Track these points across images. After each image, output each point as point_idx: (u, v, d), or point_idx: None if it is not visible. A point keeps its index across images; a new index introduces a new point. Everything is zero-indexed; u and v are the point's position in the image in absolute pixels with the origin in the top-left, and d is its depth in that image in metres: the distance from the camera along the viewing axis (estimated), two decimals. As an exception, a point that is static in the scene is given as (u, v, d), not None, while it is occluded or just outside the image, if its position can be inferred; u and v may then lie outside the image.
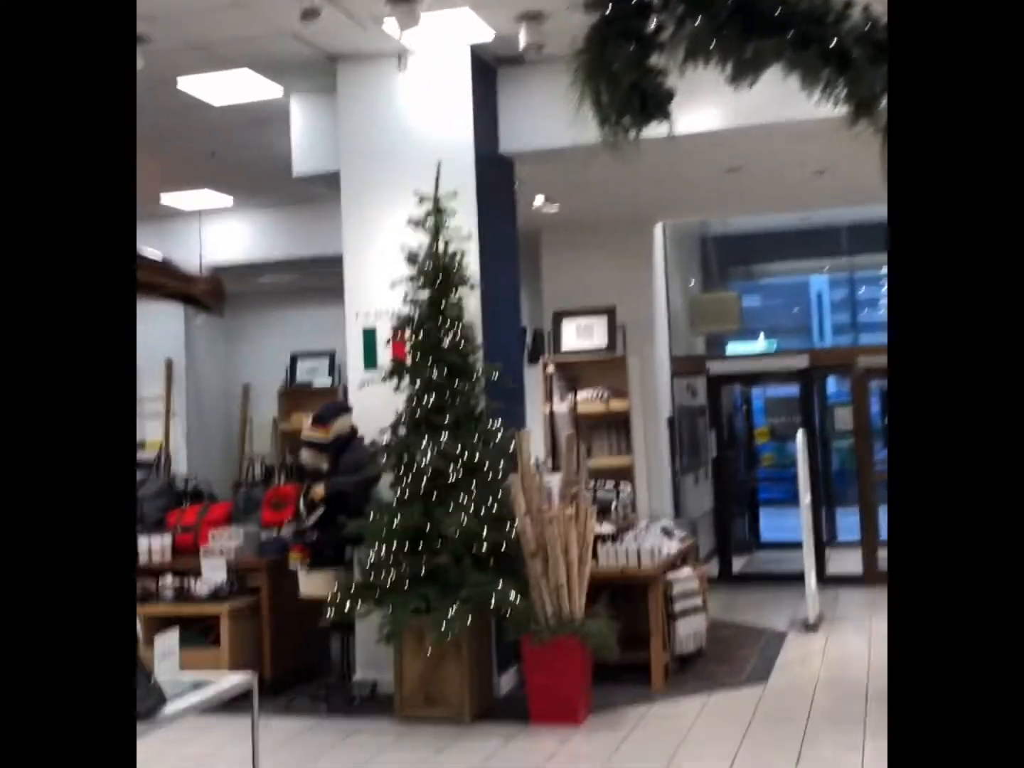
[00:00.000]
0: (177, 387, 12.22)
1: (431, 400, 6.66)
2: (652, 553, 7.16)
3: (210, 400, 12.75)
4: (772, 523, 14.19)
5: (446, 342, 6.69)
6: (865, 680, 6.96)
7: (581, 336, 10.59)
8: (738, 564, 11.95)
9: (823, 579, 10.30)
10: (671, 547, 7.70)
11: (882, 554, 10.95)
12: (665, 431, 11.10)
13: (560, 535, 6.39)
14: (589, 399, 10.37)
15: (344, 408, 7.08)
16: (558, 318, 10.66)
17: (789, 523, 14.43)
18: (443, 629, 6.11)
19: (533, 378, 10.20)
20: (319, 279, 11.13)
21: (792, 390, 13.63)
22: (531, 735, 6.11)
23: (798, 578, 10.50)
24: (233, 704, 4.13)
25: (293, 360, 12.81)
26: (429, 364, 6.67)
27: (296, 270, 11.78)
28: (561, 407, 9.81)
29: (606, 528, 7.58)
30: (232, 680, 3.96)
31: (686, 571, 7.72)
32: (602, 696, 6.70)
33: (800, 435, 9.13)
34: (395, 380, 6.80)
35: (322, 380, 12.42)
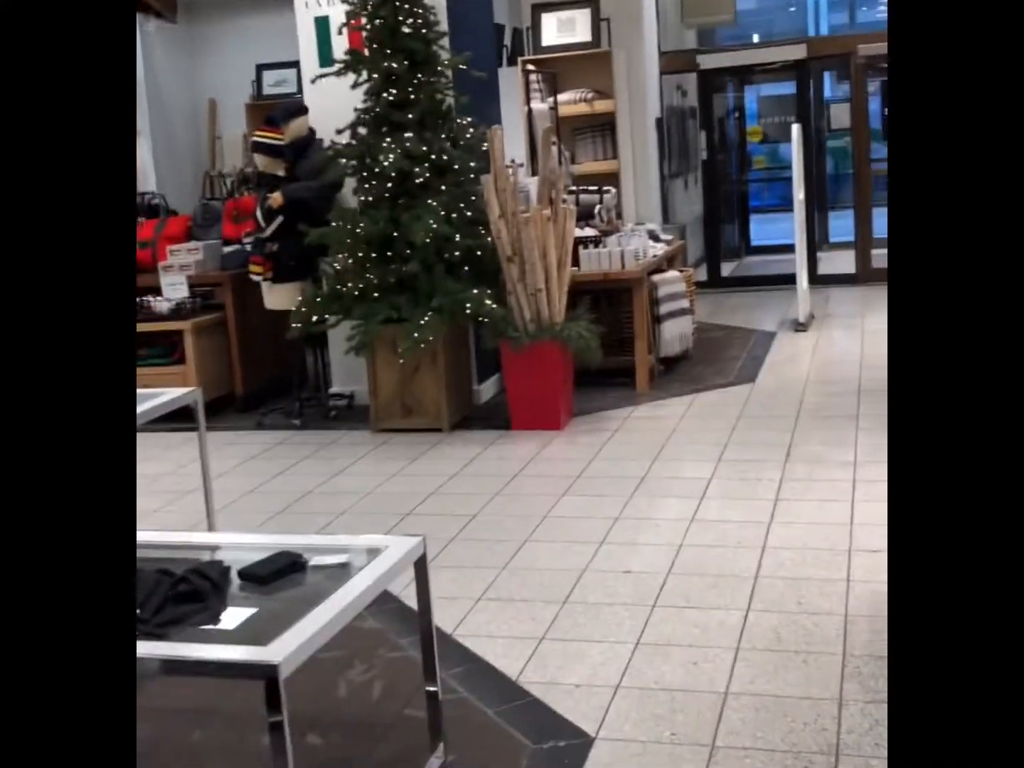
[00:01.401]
0: (138, 104, 11.48)
1: (392, 95, 6.11)
2: (636, 255, 6.80)
3: (176, 117, 12.02)
4: (763, 229, 13.83)
5: (405, 27, 6.07)
6: (857, 376, 6.77)
7: (562, 31, 9.83)
8: (727, 269, 11.66)
9: (815, 280, 10.03)
10: (656, 250, 7.34)
11: (876, 252, 10.65)
12: (653, 133, 10.50)
13: (537, 238, 6.02)
14: (572, 100, 9.72)
15: (299, 108, 6.53)
16: (537, 11, 9.85)
17: (780, 228, 14.12)
18: (415, 338, 5.84)
19: (512, 82, 9.53)
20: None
21: (787, 88, 12.91)
22: (511, 441, 5.95)
23: (788, 280, 10.28)
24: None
25: (259, 72, 12.03)
26: (388, 54, 6.08)
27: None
28: (541, 106, 9.19)
29: (588, 232, 7.20)
30: (172, 394, 3.67)
31: (672, 273, 7.39)
32: (585, 401, 6.53)
33: (795, 129, 8.59)
34: (352, 75, 6.23)
35: (290, 91, 11.68)
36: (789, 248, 12.65)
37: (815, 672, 3.20)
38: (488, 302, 6.03)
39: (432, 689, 2.89)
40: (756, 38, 16.25)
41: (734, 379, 7.00)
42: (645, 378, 6.85)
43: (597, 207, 7.77)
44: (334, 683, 3.34)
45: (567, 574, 4.02)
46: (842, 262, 11.21)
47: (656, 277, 7.16)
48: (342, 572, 2.58)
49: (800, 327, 8.40)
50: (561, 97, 9.60)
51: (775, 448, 5.41)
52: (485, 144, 6.25)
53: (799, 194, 8.67)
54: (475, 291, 6.04)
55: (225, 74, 12.25)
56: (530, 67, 9.54)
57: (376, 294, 6.06)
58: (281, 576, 2.50)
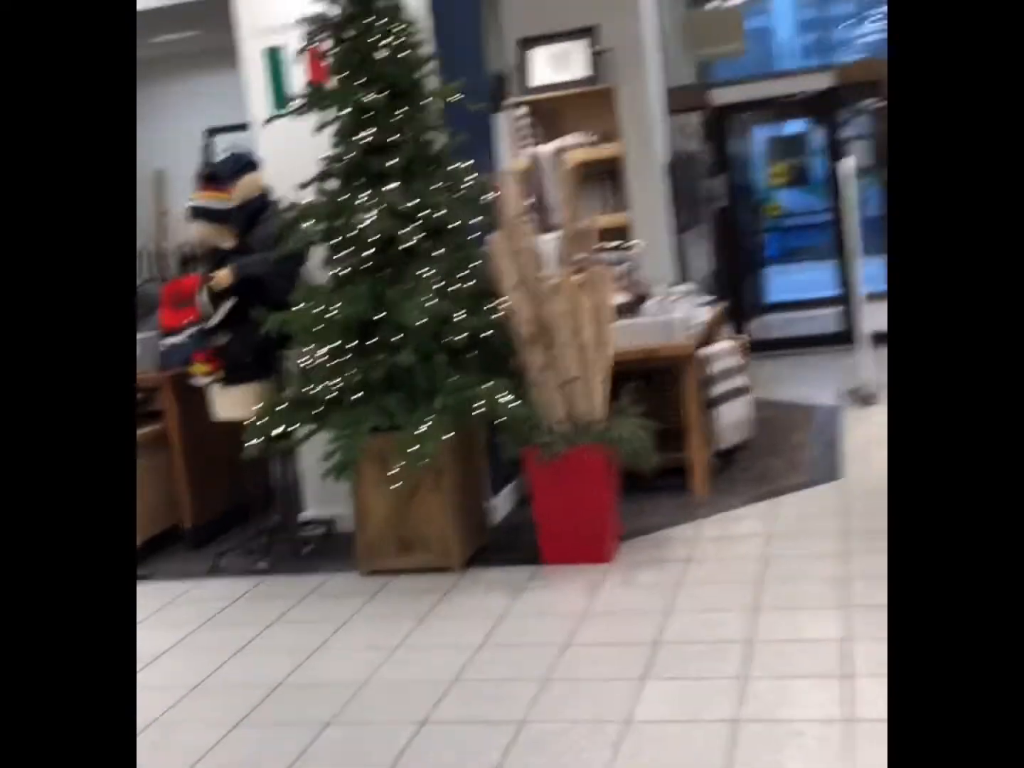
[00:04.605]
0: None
1: (369, 136, 4.72)
2: (685, 325, 5.39)
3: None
4: (775, 283, 12.53)
5: (382, 50, 4.69)
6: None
7: (556, 67, 8.53)
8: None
9: (854, 338, 8.67)
10: (702, 316, 5.94)
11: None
12: (662, 181, 9.18)
13: (568, 311, 4.61)
14: (574, 145, 8.40)
15: (250, 162, 5.12)
16: (526, 47, 8.55)
17: (793, 281, 12.84)
18: (415, 452, 4.38)
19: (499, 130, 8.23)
20: (226, 35, 8.91)
21: (798, 127, 11.72)
22: (547, 583, 4.47)
23: (827, 341, 9.04)
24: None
25: (209, 136, 10.85)
26: (361, 84, 4.70)
27: (193, 23, 9.49)
28: (547, 148, 7.88)
29: (619, 298, 5.79)
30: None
31: (724, 344, 5.99)
32: (632, 516, 5.08)
33: (851, 161, 7.26)
34: (316, 114, 4.84)
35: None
36: (811, 303, 11.39)
37: None
38: (505, 398, 4.59)
39: None
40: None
41: (814, 476, 5.56)
42: (704, 479, 5.41)
43: (621, 267, 6.37)
44: None
45: (690, 849, 2.54)
46: (881, 317, 9.89)
47: (705, 351, 5.75)
48: None
49: (868, 400, 6.98)
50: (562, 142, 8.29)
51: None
52: (489, 195, 4.87)
53: (851, 240, 7.32)
54: (487, 385, 4.60)
55: (172, 142, 11.02)
56: (520, 112, 8.22)
57: (358, 395, 4.61)
58: None
